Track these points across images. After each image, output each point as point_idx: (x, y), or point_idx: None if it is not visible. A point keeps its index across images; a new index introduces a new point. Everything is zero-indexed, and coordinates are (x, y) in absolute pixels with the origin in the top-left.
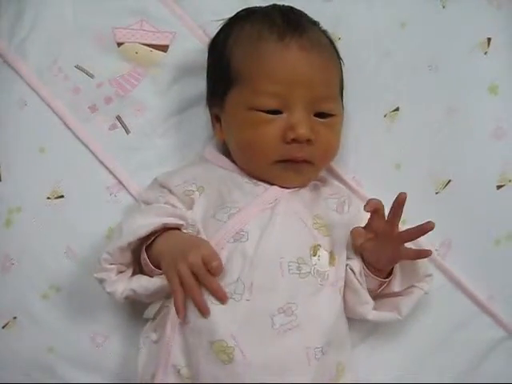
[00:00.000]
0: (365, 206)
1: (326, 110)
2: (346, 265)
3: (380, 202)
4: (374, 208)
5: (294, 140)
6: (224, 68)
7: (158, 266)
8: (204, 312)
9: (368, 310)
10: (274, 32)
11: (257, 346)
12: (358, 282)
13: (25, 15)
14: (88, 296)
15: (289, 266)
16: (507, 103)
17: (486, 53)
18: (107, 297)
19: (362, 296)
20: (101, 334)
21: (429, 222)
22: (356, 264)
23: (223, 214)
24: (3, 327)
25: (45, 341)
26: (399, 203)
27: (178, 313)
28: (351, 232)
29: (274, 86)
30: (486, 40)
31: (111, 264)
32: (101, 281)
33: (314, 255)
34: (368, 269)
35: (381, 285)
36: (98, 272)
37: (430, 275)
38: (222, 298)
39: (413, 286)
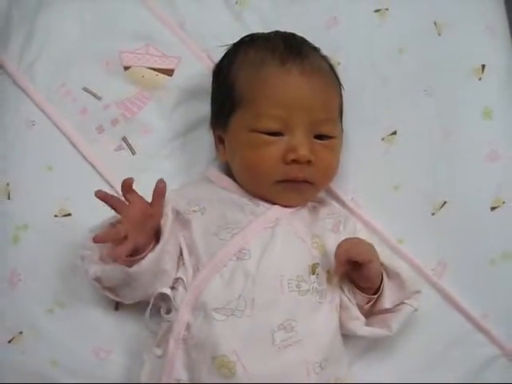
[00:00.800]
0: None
1: (326, 133)
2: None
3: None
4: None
5: (294, 161)
6: (228, 92)
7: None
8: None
9: (358, 325)
10: (276, 58)
11: (258, 362)
12: (348, 298)
13: (34, 38)
14: (92, 312)
15: (289, 283)
16: (501, 128)
17: (480, 79)
18: (111, 313)
19: (352, 312)
20: (104, 349)
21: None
22: (347, 285)
23: (226, 234)
24: (9, 341)
25: (49, 355)
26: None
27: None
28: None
29: (276, 109)
30: (481, 66)
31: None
32: (82, 258)
33: (313, 273)
34: (356, 287)
35: (369, 301)
36: (83, 249)
37: (418, 292)
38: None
39: (403, 302)
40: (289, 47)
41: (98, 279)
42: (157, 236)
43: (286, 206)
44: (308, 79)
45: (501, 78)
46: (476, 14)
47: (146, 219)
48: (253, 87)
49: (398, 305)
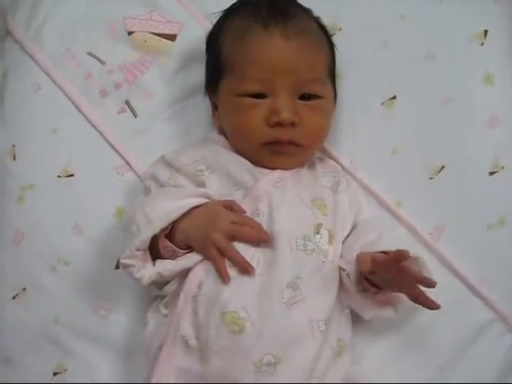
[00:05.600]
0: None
1: (311, 92)
2: (344, 270)
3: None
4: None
5: (277, 123)
6: (216, 59)
7: (181, 247)
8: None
9: (365, 313)
10: (259, 22)
11: (266, 318)
12: (356, 289)
13: (41, 6)
14: (93, 270)
15: (296, 242)
16: (502, 93)
17: (482, 44)
18: (112, 272)
19: (359, 302)
20: (105, 307)
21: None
22: (353, 272)
23: (239, 195)
24: (13, 298)
25: (51, 312)
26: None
27: (223, 279)
28: (357, 257)
29: (259, 72)
30: (483, 32)
31: (138, 250)
32: (127, 266)
33: (317, 233)
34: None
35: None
36: (127, 258)
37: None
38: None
39: None
40: (273, 10)
41: (155, 280)
42: None
43: (285, 169)
44: (291, 41)
45: (503, 43)
46: None
47: None
48: (236, 53)
49: None
